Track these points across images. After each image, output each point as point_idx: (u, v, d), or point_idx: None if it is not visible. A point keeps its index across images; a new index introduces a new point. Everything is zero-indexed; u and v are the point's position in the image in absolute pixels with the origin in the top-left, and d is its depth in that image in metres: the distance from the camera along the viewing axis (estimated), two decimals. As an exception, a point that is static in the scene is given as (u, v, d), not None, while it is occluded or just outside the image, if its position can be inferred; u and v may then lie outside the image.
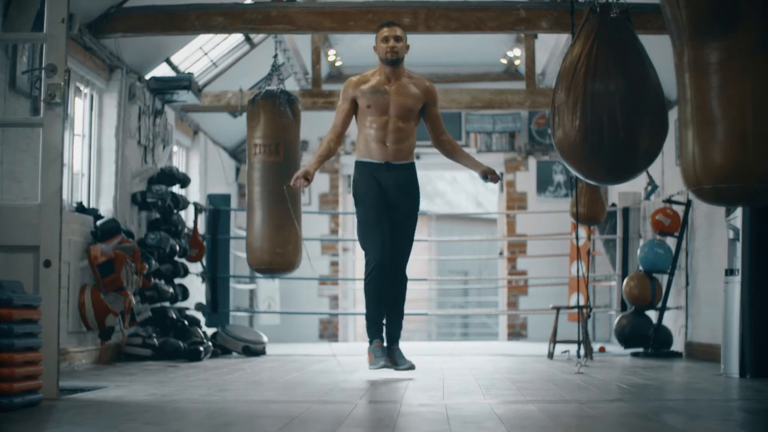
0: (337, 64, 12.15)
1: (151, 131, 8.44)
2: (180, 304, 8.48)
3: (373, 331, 5.75)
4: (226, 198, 9.91)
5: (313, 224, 12.00)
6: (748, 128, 3.64)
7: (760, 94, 3.64)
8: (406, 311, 5.90)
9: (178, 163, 10.23)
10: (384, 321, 5.79)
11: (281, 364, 7.11)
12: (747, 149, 3.64)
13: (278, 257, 7.07)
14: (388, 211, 5.73)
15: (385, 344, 5.75)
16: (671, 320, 8.91)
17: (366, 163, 5.76)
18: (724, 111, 3.68)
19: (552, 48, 10.38)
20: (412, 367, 5.65)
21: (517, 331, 12.43)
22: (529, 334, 12.31)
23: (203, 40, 8.99)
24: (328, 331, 12.47)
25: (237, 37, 9.52)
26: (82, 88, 7.41)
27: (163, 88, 8.38)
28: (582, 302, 9.26)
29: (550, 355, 7.94)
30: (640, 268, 8.76)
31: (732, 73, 3.67)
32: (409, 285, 5.93)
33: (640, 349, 8.49)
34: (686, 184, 3.89)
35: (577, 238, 8.13)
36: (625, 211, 9.98)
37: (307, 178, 5.63)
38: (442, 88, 10.22)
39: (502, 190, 12.65)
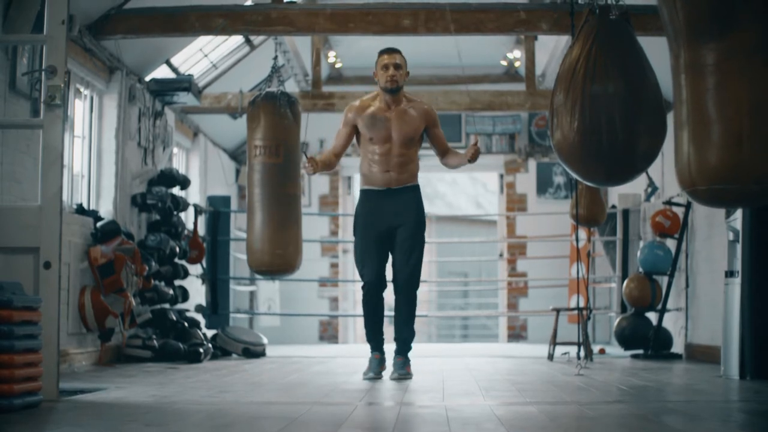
0: (337, 65, 12.15)
1: (151, 133, 8.44)
2: (180, 306, 8.48)
3: (372, 345, 5.89)
4: (226, 199, 9.92)
5: (313, 226, 11.99)
6: (744, 130, 3.64)
7: (757, 95, 3.63)
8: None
9: (178, 164, 10.24)
10: (383, 338, 5.91)
11: (281, 366, 7.11)
12: (743, 151, 3.64)
13: (278, 259, 7.05)
14: (393, 236, 5.78)
15: (384, 356, 5.86)
16: (671, 322, 8.91)
17: (368, 192, 5.85)
18: (720, 112, 3.68)
19: (552, 49, 10.38)
20: (401, 378, 5.67)
21: (517, 333, 12.43)
22: (529, 335, 12.31)
23: (203, 41, 9.00)
24: (328, 333, 12.46)
25: (237, 39, 9.53)
26: (82, 89, 7.41)
27: (163, 90, 8.39)
28: (582, 304, 9.26)
29: (550, 357, 7.93)
30: (640, 269, 8.76)
31: (729, 74, 3.67)
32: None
33: (640, 351, 8.48)
34: (681, 186, 3.88)
35: (577, 239, 8.14)
36: (625, 213, 9.99)
37: (314, 163, 5.63)
38: (442, 90, 10.25)
39: (502, 192, 12.65)
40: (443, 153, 5.96)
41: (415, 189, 5.87)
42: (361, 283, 5.85)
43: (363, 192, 5.91)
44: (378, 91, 5.86)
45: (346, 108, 5.98)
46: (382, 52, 5.81)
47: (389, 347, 5.91)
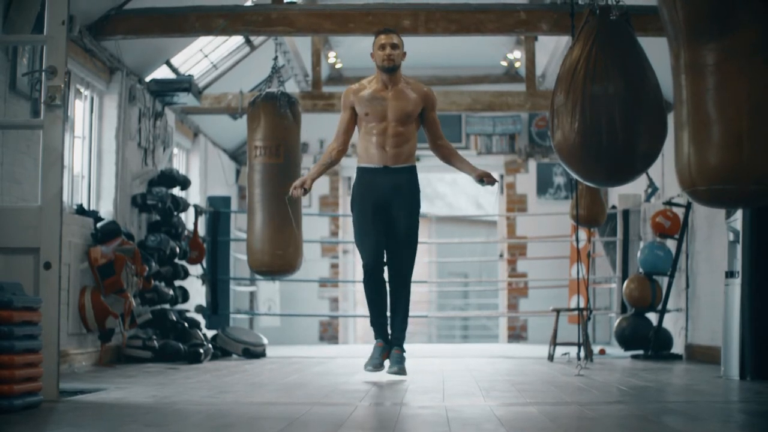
0: (338, 66, 12.15)
1: (152, 133, 8.44)
2: (180, 306, 8.48)
3: (374, 331, 5.91)
4: (226, 200, 9.92)
5: (313, 226, 12.00)
6: (743, 130, 3.64)
7: (757, 95, 3.64)
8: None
9: (179, 165, 10.24)
10: (387, 322, 5.90)
11: (281, 366, 7.11)
12: (743, 151, 3.64)
13: (278, 259, 7.06)
14: (388, 216, 5.78)
15: (387, 345, 5.86)
16: (671, 322, 8.91)
17: (365, 169, 5.84)
18: (720, 112, 3.68)
19: (552, 50, 10.38)
20: (399, 373, 5.69)
21: (517, 334, 12.43)
22: (529, 336, 12.31)
23: (203, 42, 9.00)
24: (328, 333, 12.46)
25: (237, 39, 9.53)
26: (82, 90, 7.41)
27: (164, 90, 8.39)
28: (582, 304, 9.26)
29: (551, 358, 7.93)
30: (640, 270, 8.76)
31: (728, 74, 3.67)
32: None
33: (640, 351, 8.48)
34: (681, 186, 3.89)
35: (577, 240, 8.13)
36: (625, 213, 9.98)
37: (305, 187, 5.75)
38: (442, 90, 10.24)
39: (502, 192, 12.64)
40: (434, 139, 5.91)
41: (412, 170, 5.86)
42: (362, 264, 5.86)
43: (360, 170, 5.88)
44: (376, 73, 5.85)
45: (343, 93, 5.95)
46: (379, 33, 5.82)
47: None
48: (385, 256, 5.81)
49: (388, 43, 5.74)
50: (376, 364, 5.75)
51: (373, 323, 5.90)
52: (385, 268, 5.85)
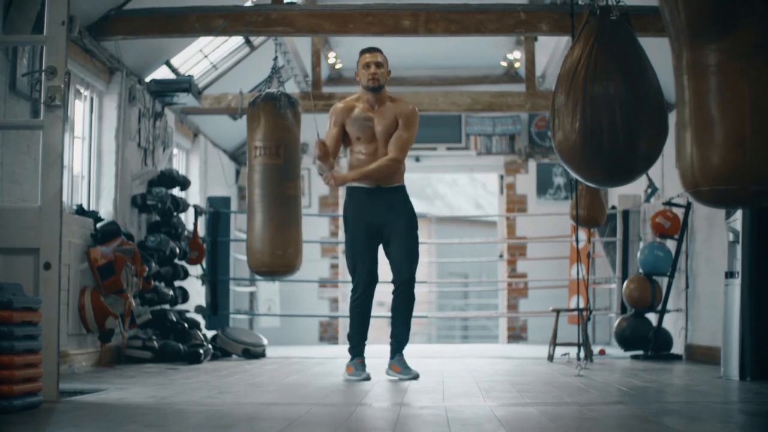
0: (337, 66, 12.15)
1: (151, 134, 8.44)
2: (180, 307, 8.48)
3: (355, 351, 5.83)
4: (226, 200, 9.92)
5: (313, 227, 12.00)
6: (746, 130, 3.64)
7: (758, 96, 3.64)
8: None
9: (178, 165, 10.23)
10: (366, 341, 5.87)
11: (281, 367, 7.11)
12: (745, 151, 3.64)
13: (278, 259, 7.06)
14: (385, 236, 5.80)
15: (366, 360, 5.83)
16: (671, 323, 8.91)
17: (357, 188, 5.84)
18: (722, 113, 3.68)
19: (552, 50, 10.38)
20: (416, 377, 5.68)
21: (517, 334, 12.43)
22: (529, 336, 12.31)
23: (203, 42, 9.00)
24: (328, 334, 12.47)
25: (237, 40, 9.53)
26: (82, 90, 7.41)
27: (163, 91, 8.39)
28: (582, 305, 9.26)
29: (550, 358, 7.93)
30: (640, 270, 8.76)
31: (730, 75, 3.67)
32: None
33: (640, 352, 8.49)
34: (684, 186, 3.89)
35: (577, 240, 8.13)
36: (625, 214, 9.99)
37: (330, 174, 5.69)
38: (442, 91, 10.24)
39: (502, 193, 12.65)
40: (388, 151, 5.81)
41: (403, 189, 5.89)
42: (351, 295, 5.82)
43: (351, 189, 5.87)
44: (361, 92, 5.88)
45: (331, 109, 5.97)
46: (363, 52, 5.84)
47: (376, 348, 5.88)
48: (377, 278, 5.81)
49: (373, 62, 5.77)
50: (365, 375, 5.69)
51: (354, 343, 5.82)
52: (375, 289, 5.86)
